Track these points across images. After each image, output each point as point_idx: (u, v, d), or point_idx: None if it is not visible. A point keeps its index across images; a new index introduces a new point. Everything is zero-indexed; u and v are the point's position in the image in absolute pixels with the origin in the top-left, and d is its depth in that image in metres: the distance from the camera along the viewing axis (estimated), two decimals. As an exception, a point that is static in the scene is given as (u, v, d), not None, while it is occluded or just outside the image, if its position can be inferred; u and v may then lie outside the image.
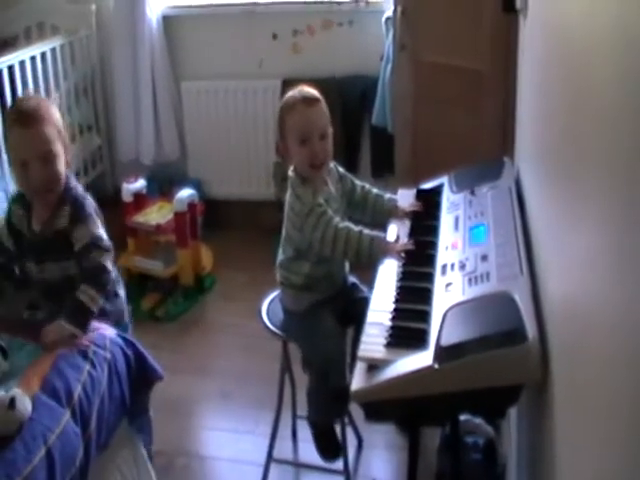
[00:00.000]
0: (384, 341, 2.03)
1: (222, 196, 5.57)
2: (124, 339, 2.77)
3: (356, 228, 2.71)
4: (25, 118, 2.69)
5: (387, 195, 3.00)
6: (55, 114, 2.77)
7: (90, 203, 2.83)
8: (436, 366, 1.83)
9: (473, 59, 3.64)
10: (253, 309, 3.16)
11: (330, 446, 2.92)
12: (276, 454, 3.16)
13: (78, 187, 2.86)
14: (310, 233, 2.72)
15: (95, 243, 2.75)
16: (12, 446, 2.18)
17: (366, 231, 2.70)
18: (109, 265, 2.77)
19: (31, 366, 2.51)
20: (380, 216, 2.95)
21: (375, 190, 3.02)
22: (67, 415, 2.38)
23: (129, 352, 2.74)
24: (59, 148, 2.72)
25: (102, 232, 2.80)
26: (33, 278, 2.86)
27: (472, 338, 1.83)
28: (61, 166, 2.73)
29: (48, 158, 2.68)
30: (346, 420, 3.04)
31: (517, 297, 1.91)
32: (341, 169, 2.98)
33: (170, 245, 4.71)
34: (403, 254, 2.54)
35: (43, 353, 2.56)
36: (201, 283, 4.78)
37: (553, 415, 1.67)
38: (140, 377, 2.77)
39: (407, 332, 2.04)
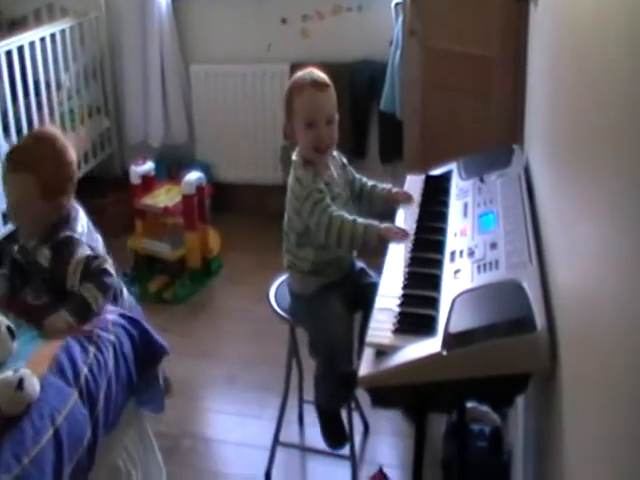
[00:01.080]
0: (392, 327, 2.03)
1: (230, 180, 5.57)
2: (128, 318, 2.79)
3: (350, 217, 2.71)
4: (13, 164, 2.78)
5: (381, 185, 3.01)
6: (48, 161, 2.78)
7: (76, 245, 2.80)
8: (444, 353, 1.83)
9: (483, 46, 3.63)
10: (260, 293, 3.17)
11: (336, 433, 2.93)
12: (282, 438, 3.17)
13: (67, 232, 2.81)
14: (307, 218, 2.74)
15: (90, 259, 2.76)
16: (20, 426, 2.21)
17: (360, 220, 2.71)
18: (111, 270, 2.78)
19: (39, 347, 2.53)
20: (376, 205, 2.98)
21: (371, 181, 3.03)
22: (75, 396, 2.40)
23: (133, 331, 2.76)
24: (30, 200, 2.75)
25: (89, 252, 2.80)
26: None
27: (481, 326, 1.83)
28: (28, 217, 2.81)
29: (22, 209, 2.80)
30: (353, 406, 3.05)
31: (526, 285, 1.91)
32: (344, 159, 2.99)
33: (178, 228, 4.72)
34: (403, 233, 2.57)
35: (47, 338, 2.58)
36: (208, 266, 4.79)
37: (561, 404, 1.67)
38: (146, 354, 2.79)
39: (415, 318, 2.04)
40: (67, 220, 2.85)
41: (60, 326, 2.61)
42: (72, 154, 2.87)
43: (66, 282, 2.72)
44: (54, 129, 2.96)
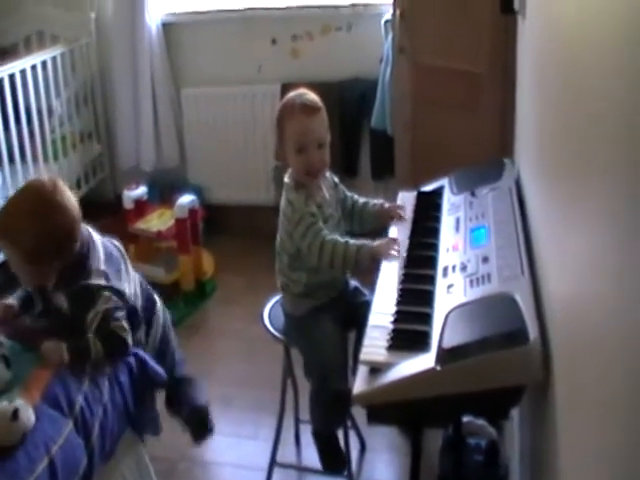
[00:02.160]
0: (386, 344, 2.03)
1: (222, 201, 5.57)
2: None
3: (342, 240, 2.71)
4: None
5: (372, 201, 3.01)
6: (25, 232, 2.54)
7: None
8: (438, 368, 1.84)
9: (472, 61, 3.64)
10: (253, 313, 3.16)
11: (334, 457, 2.92)
12: (279, 458, 3.16)
13: (82, 280, 2.65)
14: (299, 241, 2.73)
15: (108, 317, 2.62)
16: (14, 456, 2.19)
17: (352, 241, 2.70)
18: (127, 337, 2.64)
19: (31, 375, 2.51)
20: (367, 221, 2.97)
21: (362, 199, 3.02)
22: (70, 425, 2.38)
23: (130, 359, 2.74)
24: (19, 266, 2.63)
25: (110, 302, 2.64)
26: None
27: (474, 340, 1.83)
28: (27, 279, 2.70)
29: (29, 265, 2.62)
30: (349, 424, 3.03)
31: (518, 298, 1.91)
32: (336, 178, 2.98)
33: (171, 251, 4.71)
34: (396, 252, 2.56)
35: (43, 362, 2.56)
36: (202, 288, 4.78)
37: (555, 415, 1.67)
38: (143, 382, 2.77)
39: (409, 335, 2.04)
40: (82, 263, 2.67)
41: (55, 358, 2.55)
42: (64, 209, 2.62)
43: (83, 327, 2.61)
44: (47, 180, 2.67)
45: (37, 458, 2.22)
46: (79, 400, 2.47)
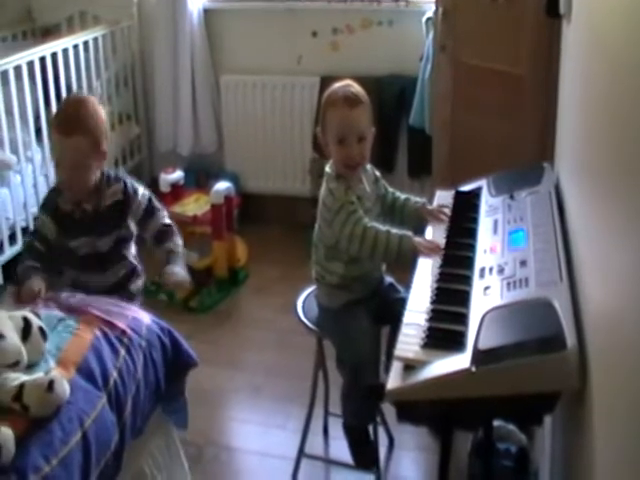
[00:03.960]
0: (421, 342, 2.03)
1: (258, 190, 5.61)
2: (160, 326, 2.81)
3: (384, 228, 2.72)
4: (64, 127, 2.94)
5: (414, 198, 3.01)
6: (94, 117, 3.00)
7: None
8: (473, 369, 1.83)
9: (514, 63, 3.63)
10: (285, 304, 3.18)
11: (365, 453, 2.94)
12: (307, 449, 3.18)
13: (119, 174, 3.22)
14: (339, 229, 2.73)
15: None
16: (49, 428, 2.23)
17: (394, 230, 2.71)
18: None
19: (67, 348, 2.54)
20: (409, 219, 2.96)
21: (403, 195, 3.03)
22: (103, 400, 2.42)
23: (165, 339, 2.78)
24: (92, 159, 2.98)
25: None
26: (78, 254, 3.06)
27: (510, 343, 1.83)
28: (92, 173, 3.01)
29: (81, 167, 2.97)
30: (378, 420, 3.05)
31: (556, 304, 1.91)
32: (377, 173, 2.99)
33: (206, 237, 4.75)
34: (435, 247, 2.57)
35: (77, 334, 2.61)
36: (235, 276, 4.81)
37: (591, 425, 1.66)
38: (175, 363, 2.82)
39: (444, 334, 2.04)
40: (109, 174, 3.12)
41: (181, 278, 3.06)
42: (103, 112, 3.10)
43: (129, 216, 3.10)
44: (83, 94, 3.19)
45: (71, 431, 2.25)
46: (114, 375, 2.51)
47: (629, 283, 1.34)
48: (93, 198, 3.05)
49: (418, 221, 2.92)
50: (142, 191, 3.14)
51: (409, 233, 2.72)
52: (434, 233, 2.75)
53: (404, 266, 2.65)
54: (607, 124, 1.72)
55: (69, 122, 2.94)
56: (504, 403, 1.88)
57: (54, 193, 3.12)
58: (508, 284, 2.13)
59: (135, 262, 3.24)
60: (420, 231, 2.78)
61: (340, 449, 3.07)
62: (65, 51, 4.83)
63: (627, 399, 1.31)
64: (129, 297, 3.08)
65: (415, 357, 2.00)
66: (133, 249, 3.24)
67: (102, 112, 3.07)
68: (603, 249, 1.66)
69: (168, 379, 2.77)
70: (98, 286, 3.06)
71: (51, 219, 3.05)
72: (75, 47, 4.95)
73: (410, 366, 1.99)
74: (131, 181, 3.15)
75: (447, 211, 2.86)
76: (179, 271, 3.08)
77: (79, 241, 3.05)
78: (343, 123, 2.74)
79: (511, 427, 3.03)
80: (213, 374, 3.87)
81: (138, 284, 3.24)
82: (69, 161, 2.94)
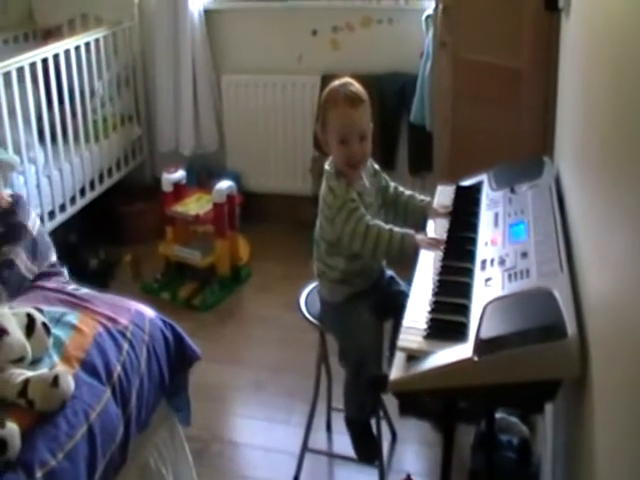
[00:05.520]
0: (423, 332, 2.04)
1: (260, 189, 5.63)
2: (163, 321, 2.84)
3: (387, 226, 2.72)
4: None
5: (419, 196, 3.02)
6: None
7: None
8: (475, 358, 1.84)
9: (514, 57, 3.64)
10: (288, 301, 3.19)
11: (368, 446, 2.95)
12: (310, 444, 3.20)
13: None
14: (341, 227, 2.74)
15: None
16: (55, 422, 2.26)
17: (396, 229, 2.72)
18: None
19: (71, 343, 2.57)
20: (413, 216, 2.96)
21: (408, 191, 3.03)
22: (108, 393, 2.45)
23: (168, 333, 2.80)
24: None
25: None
26: None
27: (512, 332, 1.84)
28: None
29: None
30: (381, 414, 3.06)
31: (557, 293, 1.92)
32: (376, 165, 2.99)
33: (208, 235, 4.78)
34: (437, 243, 2.57)
35: (80, 329, 2.63)
36: (237, 274, 4.83)
37: (592, 413, 1.67)
38: (178, 358, 2.84)
39: (447, 324, 2.05)
40: None
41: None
42: None
43: None
44: None
45: (76, 424, 2.28)
46: (117, 369, 2.53)
47: (627, 272, 1.36)
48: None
49: (421, 218, 2.92)
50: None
51: (411, 231, 2.72)
52: (436, 227, 2.76)
53: (407, 262, 2.67)
54: (607, 117, 1.73)
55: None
56: (506, 391, 1.89)
57: None
58: (509, 275, 2.14)
59: None
60: (422, 228, 2.78)
61: (343, 444, 3.09)
62: (67, 52, 4.84)
63: (627, 385, 1.32)
64: None
65: (418, 347, 2.01)
66: None
67: None
68: (602, 240, 1.67)
69: (172, 373, 2.79)
70: None
71: None
72: (77, 48, 4.95)
73: (413, 357, 2.00)
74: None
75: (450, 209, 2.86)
76: None
77: None
78: (345, 123, 2.74)
79: (513, 419, 3.05)
80: (217, 371, 3.90)
81: None
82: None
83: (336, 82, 2.82)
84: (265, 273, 4.95)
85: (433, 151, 4.30)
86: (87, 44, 5.08)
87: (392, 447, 3.40)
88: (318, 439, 3.39)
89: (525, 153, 3.41)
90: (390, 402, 2.98)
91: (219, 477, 3.29)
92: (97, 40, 5.20)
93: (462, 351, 1.90)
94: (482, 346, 1.87)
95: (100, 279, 4.58)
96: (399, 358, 2.03)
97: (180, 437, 2.97)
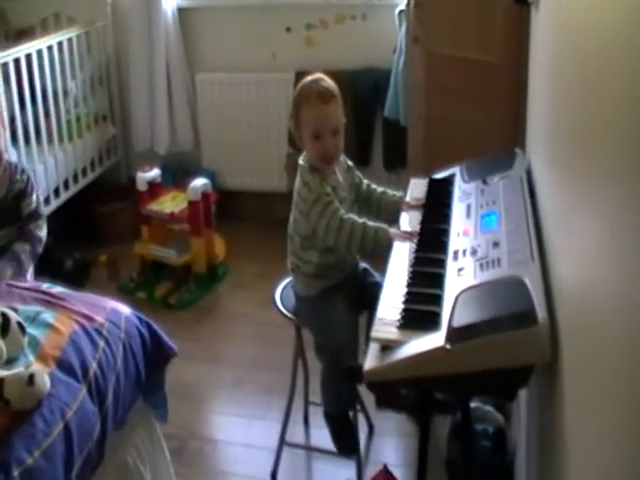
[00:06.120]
0: (397, 323, 2.05)
1: (235, 187, 5.63)
2: (139, 318, 2.84)
3: (360, 220, 2.74)
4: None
5: (392, 192, 3.04)
6: None
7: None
8: (448, 346, 1.86)
9: (485, 51, 3.67)
10: (265, 298, 3.20)
11: (347, 439, 2.96)
12: (288, 438, 3.21)
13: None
14: (315, 220, 2.75)
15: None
16: (31, 420, 2.25)
17: (370, 223, 2.74)
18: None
19: (46, 341, 2.56)
20: (386, 211, 2.98)
21: (380, 188, 3.05)
22: (83, 391, 2.44)
23: (144, 330, 2.80)
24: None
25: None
26: None
27: (484, 319, 1.86)
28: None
29: None
30: (358, 407, 3.08)
31: (528, 281, 1.94)
32: (349, 162, 3.01)
33: (184, 234, 4.77)
34: (411, 236, 2.58)
35: (55, 328, 2.62)
36: (214, 272, 4.83)
37: (562, 397, 1.70)
38: (155, 354, 2.84)
39: (420, 314, 2.06)
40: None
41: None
42: None
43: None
44: None
45: (53, 423, 2.28)
46: (93, 367, 2.53)
47: (593, 259, 1.38)
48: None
49: (394, 214, 2.93)
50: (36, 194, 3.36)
51: (384, 225, 2.74)
52: (410, 220, 2.77)
53: (381, 255, 2.68)
54: (576, 110, 1.74)
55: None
56: (479, 379, 1.89)
57: None
58: (481, 265, 2.16)
59: None
60: (395, 223, 2.79)
61: (321, 437, 3.10)
62: (39, 52, 4.81)
63: (596, 368, 1.33)
64: None
65: (391, 337, 2.02)
66: None
67: None
68: (570, 229, 1.69)
69: (148, 370, 2.79)
70: None
71: None
72: (49, 48, 4.93)
73: (387, 347, 2.01)
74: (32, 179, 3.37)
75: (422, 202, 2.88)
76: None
77: None
78: (318, 119, 2.76)
79: (488, 408, 3.07)
80: (195, 369, 3.90)
81: None
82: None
83: (308, 78, 2.84)
84: (241, 271, 4.95)
85: (407, 145, 4.31)
86: (60, 44, 5.05)
87: (369, 439, 3.42)
88: (296, 433, 3.41)
89: (497, 146, 3.43)
90: (367, 395, 2.98)
91: (198, 474, 3.29)
92: (70, 40, 5.17)
93: (435, 340, 1.91)
94: (454, 334, 1.88)
95: (76, 280, 4.56)
96: (373, 349, 2.04)
97: (158, 435, 2.97)
